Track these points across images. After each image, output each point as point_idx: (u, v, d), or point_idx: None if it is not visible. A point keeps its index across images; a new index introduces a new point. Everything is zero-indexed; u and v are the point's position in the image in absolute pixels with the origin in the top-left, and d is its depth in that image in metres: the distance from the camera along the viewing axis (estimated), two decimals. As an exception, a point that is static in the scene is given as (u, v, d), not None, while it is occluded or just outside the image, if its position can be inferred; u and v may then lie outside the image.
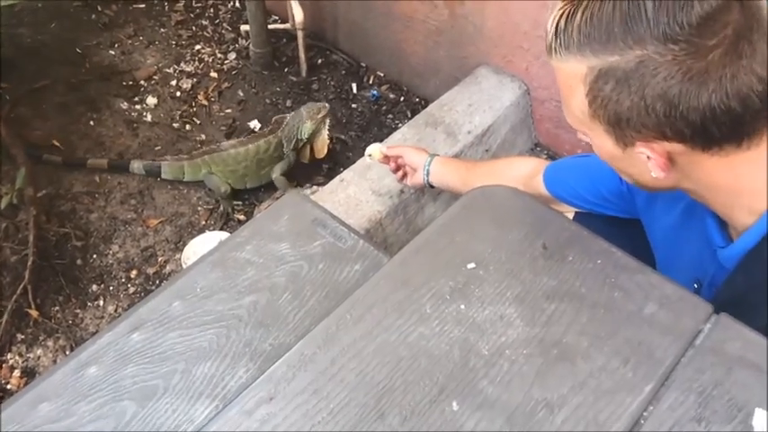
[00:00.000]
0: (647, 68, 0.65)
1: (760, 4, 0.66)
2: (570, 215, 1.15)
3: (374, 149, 1.50)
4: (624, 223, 1.05)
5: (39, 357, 1.54)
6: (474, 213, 0.80)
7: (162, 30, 2.35)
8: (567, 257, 0.73)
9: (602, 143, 0.75)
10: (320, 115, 1.83)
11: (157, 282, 1.70)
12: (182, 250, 1.74)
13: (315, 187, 1.85)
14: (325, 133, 1.87)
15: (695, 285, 0.86)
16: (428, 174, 1.41)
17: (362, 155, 1.73)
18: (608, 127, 0.72)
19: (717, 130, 0.67)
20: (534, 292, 0.70)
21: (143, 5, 2.42)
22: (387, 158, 1.50)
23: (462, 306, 0.70)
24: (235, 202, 1.88)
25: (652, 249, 0.99)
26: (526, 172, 1.22)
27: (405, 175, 1.50)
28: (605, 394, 0.62)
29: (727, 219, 0.78)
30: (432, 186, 1.44)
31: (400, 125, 1.88)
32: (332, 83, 2.21)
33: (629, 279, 0.71)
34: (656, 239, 0.97)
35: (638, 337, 0.66)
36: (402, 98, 2.17)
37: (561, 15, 0.71)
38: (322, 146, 1.90)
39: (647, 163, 0.73)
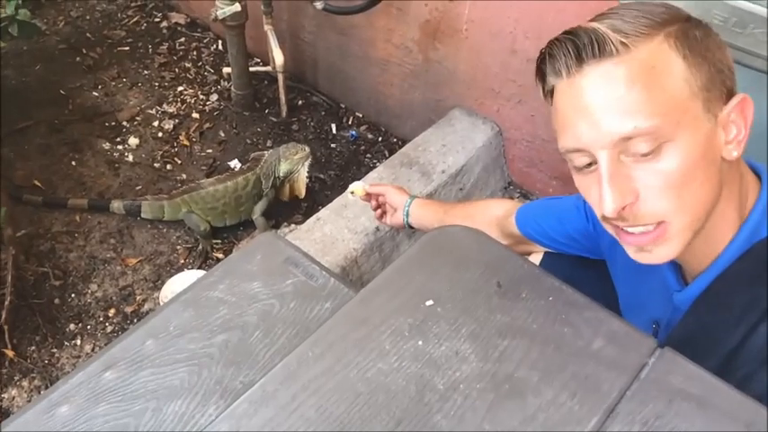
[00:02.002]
0: (704, 29, 0.71)
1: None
2: (540, 255, 1.20)
3: (357, 187, 1.54)
4: (592, 263, 1.09)
5: (13, 398, 1.54)
6: (433, 253, 0.83)
7: (145, 72, 2.40)
8: (520, 295, 0.76)
9: (695, 134, 0.69)
10: (297, 156, 1.88)
11: (135, 321, 1.72)
12: (160, 289, 1.76)
13: (293, 226, 1.88)
14: (303, 173, 1.91)
15: (653, 326, 0.89)
16: (408, 215, 1.44)
17: (341, 194, 1.77)
18: (705, 94, 0.68)
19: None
20: (488, 328, 0.73)
21: (127, 48, 2.48)
22: (368, 196, 1.53)
23: (420, 342, 0.73)
24: (214, 241, 1.91)
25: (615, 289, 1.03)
26: (500, 213, 1.26)
27: (384, 214, 1.53)
28: (554, 427, 0.65)
29: (680, 260, 0.80)
30: (411, 227, 1.47)
31: (378, 165, 1.93)
32: (312, 123, 2.26)
33: (578, 315, 0.74)
34: (618, 280, 1.00)
35: (586, 372, 0.69)
36: (380, 138, 2.22)
37: (568, 38, 0.70)
38: (301, 185, 1.94)
39: (724, 147, 0.70)
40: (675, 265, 0.83)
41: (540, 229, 1.15)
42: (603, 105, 0.68)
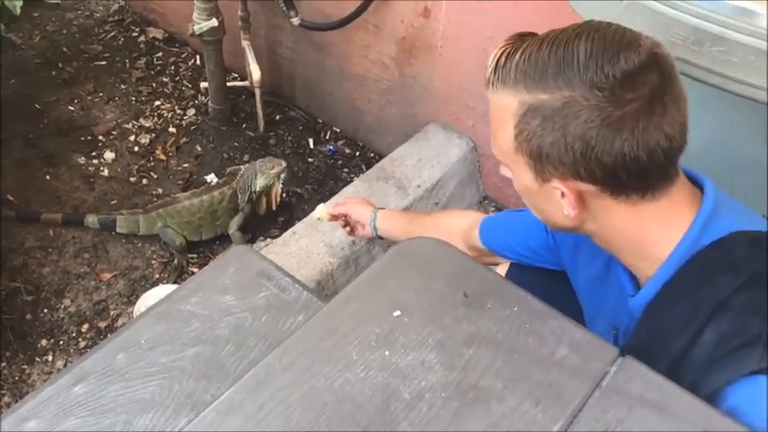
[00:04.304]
0: (571, 109, 0.72)
1: (676, 74, 0.75)
2: (506, 266, 1.21)
3: (321, 211, 1.57)
4: (557, 273, 1.11)
5: (-18, 415, 1.52)
6: (401, 264, 0.84)
7: (122, 86, 2.40)
8: (486, 305, 0.78)
9: (523, 176, 0.80)
10: (274, 171, 1.89)
11: (109, 336, 1.70)
12: (135, 303, 1.74)
13: (268, 240, 1.88)
14: (278, 186, 1.92)
15: (613, 332, 0.91)
16: (375, 229, 1.47)
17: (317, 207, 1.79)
18: (529, 161, 0.77)
19: (625, 177, 0.74)
20: (454, 338, 0.75)
21: (104, 62, 2.48)
22: (334, 217, 1.56)
23: (387, 352, 0.74)
24: (189, 255, 1.90)
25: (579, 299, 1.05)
26: (465, 225, 1.28)
27: (353, 230, 1.56)
28: (517, 434, 0.66)
29: (632, 268, 0.84)
30: (381, 238, 1.50)
31: (355, 179, 1.95)
32: (289, 138, 2.27)
33: (542, 324, 0.76)
34: (580, 290, 1.02)
35: (549, 380, 0.71)
36: (357, 153, 2.24)
37: (503, 53, 0.77)
38: (275, 198, 1.95)
39: (560, 200, 0.78)
40: (630, 271, 0.86)
41: (503, 242, 1.17)
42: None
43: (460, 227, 1.28)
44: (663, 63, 0.73)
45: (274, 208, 1.97)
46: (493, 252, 1.19)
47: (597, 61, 0.71)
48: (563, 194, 0.78)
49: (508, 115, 0.77)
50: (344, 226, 1.57)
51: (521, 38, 0.77)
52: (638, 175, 0.74)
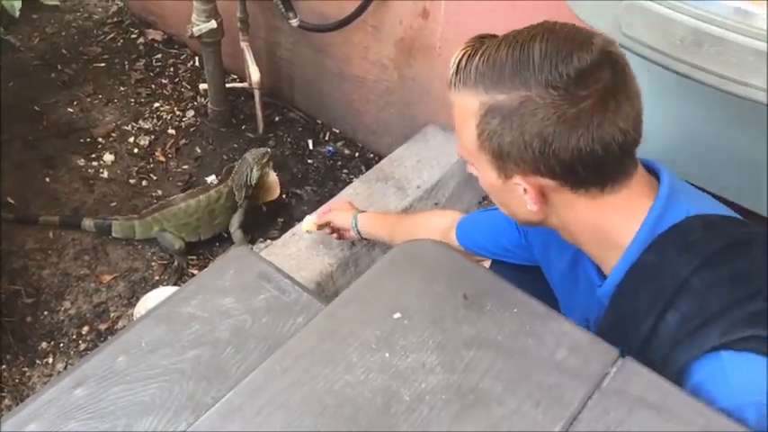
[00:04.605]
0: (527, 108, 0.74)
1: (628, 70, 0.77)
2: (488, 263, 1.23)
3: (308, 224, 1.61)
4: (534, 269, 1.12)
5: (-18, 417, 1.52)
6: (401, 266, 0.84)
7: (121, 88, 2.40)
8: (485, 307, 0.78)
9: (487, 174, 0.83)
10: (264, 160, 1.90)
11: (109, 338, 1.70)
12: (135, 306, 1.74)
13: (268, 241, 1.88)
14: (272, 174, 1.94)
15: (585, 323, 0.93)
16: (359, 232, 1.51)
17: (317, 208, 1.79)
18: (492, 159, 0.80)
19: (582, 171, 0.76)
20: (454, 340, 0.75)
21: (103, 64, 2.48)
22: (321, 226, 1.60)
23: (387, 354, 0.74)
24: (189, 257, 1.90)
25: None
26: (444, 225, 1.30)
27: (341, 236, 1.60)
28: (517, 436, 0.66)
29: (597, 260, 0.86)
30: (367, 240, 1.55)
31: (355, 180, 1.95)
32: (288, 139, 2.27)
33: (542, 326, 0.76)
34: (554, 284, 1.04)
35: (549, 381, 0.71)
36: (357, 154, 2.24)
37: (464, 55, 0.79)
38: (274, 186, 1.95)
39: (523, 196, 0.81)
40: (596, 263, 0.88)
41: (477, 242, 1.20)
42: None
43: (440, 227, 1.30)
44: (615, 61, 0.75)
45: (278, 192, 1.97)
46: (468, 251, 1.21)
47: (551, 61, 0.73)
48: (525, 190, 0.80)
49: (470, 115, 0.79)
50: (331, 233, 1.61)
51: (481, 40, 0.80)
52: (596, 169, 0.76)
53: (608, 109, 0.74)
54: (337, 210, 1.58)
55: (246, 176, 1.89)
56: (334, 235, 1.60)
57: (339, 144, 2.26)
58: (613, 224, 0.80)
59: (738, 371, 0.69)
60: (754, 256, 0.76)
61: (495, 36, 0.80)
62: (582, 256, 0.89)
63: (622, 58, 0.76)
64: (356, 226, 1.50)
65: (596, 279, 0.87)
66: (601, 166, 0.76)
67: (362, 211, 1.54)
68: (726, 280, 0.74)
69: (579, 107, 0.73)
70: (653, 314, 0.76)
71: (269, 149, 1.94)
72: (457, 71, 0.80)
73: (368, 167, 2.11)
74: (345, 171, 2.18)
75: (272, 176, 1.95)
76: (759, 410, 0.67)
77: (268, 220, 2.01)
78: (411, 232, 1.36)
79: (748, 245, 0.77)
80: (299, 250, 1.66)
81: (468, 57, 0.79)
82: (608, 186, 0.78)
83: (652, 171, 0.84)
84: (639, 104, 0.77)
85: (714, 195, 0.86)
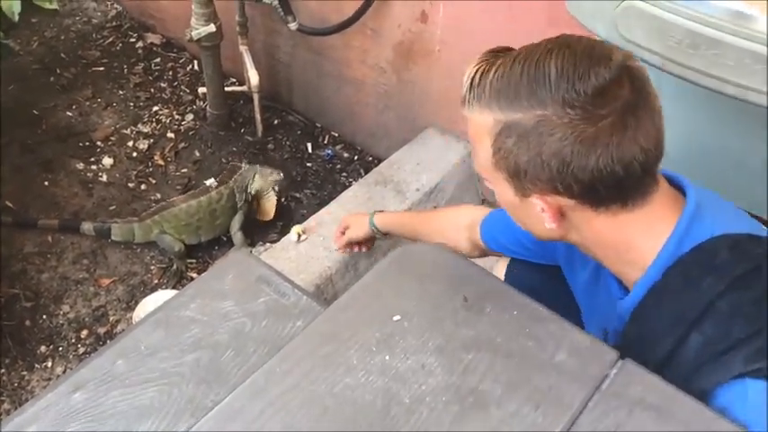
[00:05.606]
0: (545, 128, 0.72)
1: (649, 86, 0.74)
2: (506, 261, 1.22)
3: (296, 230, 1.67)
4: (557, 271, 1.11)
5: (-19, 422, 1.51)
6: (400, 269, 0.85)
7: (120, 92, 2.40)
8: (485, 309, 0.78)
9: (503, 191, 0.81)
10: (271, 177, 1.90)
11: (108, 342, 1.70)
12: (134, 309, 1.74)
13: (268, 244, 1.89)
14: (273, 197, 1.93)
15: (603, 333, 0.92)
16: (378, 230, 1.46)
17: (316, 212, 1.79)
18: (508, 177, 0.78)
19: (603, 190, 0.74)
20: (454, 342, 0.75)
21: (102, 68, 2.48)
22: (347, 246, 1.56)
23: (387, 357, 0.74)
24: (188, 261, 1.90)
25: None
26: (469, 221, 1.26)
27: (368, 246, 1.56)
28: (517, 438, 0.66)
29: (617, 273, 0.84)
30: (384, 235, 1.48)
31: (354, 183, 1.95)
32: (287, 143, 2.27)
33: (542, 328, 0.76)
34: (577, 292, 1.03)
35: (549, 384, 0.71)
36: (356, 157, 2.24)
37: (477, 71, 0.77)
38: (269, 209, 1.95)
39: (541, 214, 0.79)
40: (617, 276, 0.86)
41: (497, 239, 1.17)
42: None
43: (465, 222, 1.26)
44: (635, 76, 0.73)
45: (269, 218, 1.97)
46: (490, 249, 1.20)
47: (568, 79, 0.71)
48: (543, 209, 0.78)
49: (485, 133, 0.77)
50: (359, 249, 1.57)
51: (495, 55, 0.78)
52: (616, 188, 0.74)
53: (628, 127, 0.71)
54: (348, 224, 1.53)
55: (248, 183, 1.89)
56: (363, 249, 1.56)
57: (338, 147, 2.27)
58: (635, 242, 0.78)
59: (761, 398, 0.68)
60: None
61: (509, 49, 0.78)
62: (604, 268, 0.87)
63: (642, 72, 0.74)
64: (373, 224, 1.46)
65: (617, 292, 0.86)
66: (621, 185, 0.74)
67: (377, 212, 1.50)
68: (751, 305, 0.72)
69: (598, 126, 0.71)
70: (674, 335, 0.75)
71: (282, 176, 1.93)
72: (471, 88, 0.78)
73: (367, 171, 2.11)
74: (344, 174, 2.19)
75: (272, 200, 1.94)
76: None
77: (268, 224, 2.01)
78: (436, 229, 1.33)
79: None
80: (298, 253, 1.66)
81: (482, 73, 0.76)
82: (629, 203, 0.76)
83: (676, 184, 0.82)
84: (661, 120, 0.74)
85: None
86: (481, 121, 0.77)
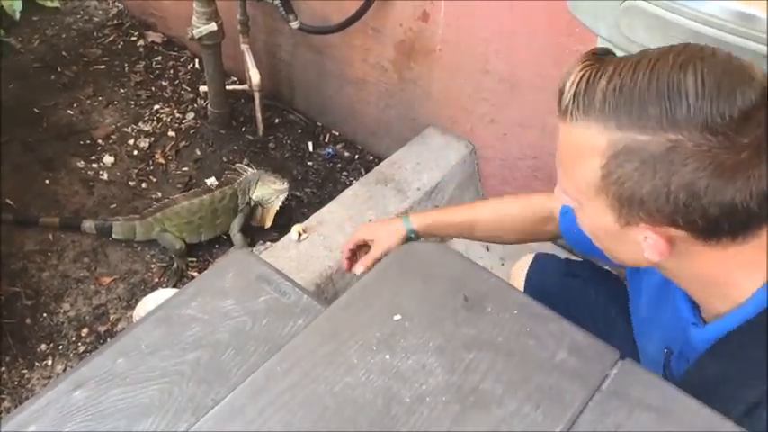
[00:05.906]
0: (678, 155, 0.63)
1: None
2: (529, 259, 1.21)
3: (296, 229, 1.67)
4: (580, 271, 1.09)
5: (-19, 420, 1.52)
6: (401, 268, 0.84)
7: (121, 90, 2.40)
8: (486, 308, 0.78)
9: (598, 216, 0.72)
10: (275, 186, 1.88)
11: (108, 340, 1.70)
12: (134, 308, 1.74)
13: (268, 243, 1.89)
14: (276, 206, 1.92)
15: (665, 351, 0.87)
16: (415, 233, 1.26)
17: (317, 211, 1.79)
18: (615, 203, 0.69)
19: (727, 226, 0.66)
20: (455, 341, 0.75)
21: (103, 66, 2.48)
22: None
23: (387, 356, 0.74)
24: (189, 259, 1.90)
25: (630, 306, 0.99)
26: (548, 212, 1.15)
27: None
28: (517, 438, 0.66)
29: (699, 301, 0.79)
30: (418, 236, 1.28)
31: (355, 182, 1.95)
32: (288, 141, 2.27)
33: (542, 327, 0.76)
34: (637, 294, 0.96)
35: (549, 383, 0.70)
36: (357, 156, 2.24)
37: (582, 77, 0.67)
38: (267, 216, 1.94)
39: (641, 243, 0.71)
40: (691, 299, 0.80)
41: (575, 238, 1.05)
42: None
43: (544, 214, 1.15)
44: None
45: (268, 225, 1.96)
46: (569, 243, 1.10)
47: (711, 100, 0.61)
48: (647, 238, 0.70)
49: (592, 152, 0.67)
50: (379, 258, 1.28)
51: (599, 59, 0.68)
52: (742, 224, 0.66)
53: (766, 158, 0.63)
54: (371, 237, 1.29)
55: (251, 186, 1.90)
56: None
57: (339, 146, 2.27)
58: (733, 277, 0.72)
59: None
60: None
61: (611, 52, 0.69)
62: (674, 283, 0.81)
63: None
64: (411, 229, 1.25)
65: (689, 315, 0.79)
66: (749, 222, 0.66)
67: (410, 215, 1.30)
68: None
69: (740, 157, 0.62)
70: (766, 380, 0.68)
71: (286, 186, 1.90)
72: (575, 96, 0.67)
73: (367, 170, 2.11)
74: (345, 173, 2.19)
75: (273, 209, 1.93)
76: None
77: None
78: (509, 225, 1.19)
79: None
80: (299, 252, 1.66)
81: (589, 80, 0.66)
82: (740, 237, 0.68)
83: None
84: None
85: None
86: (588, 136, 0.67)
